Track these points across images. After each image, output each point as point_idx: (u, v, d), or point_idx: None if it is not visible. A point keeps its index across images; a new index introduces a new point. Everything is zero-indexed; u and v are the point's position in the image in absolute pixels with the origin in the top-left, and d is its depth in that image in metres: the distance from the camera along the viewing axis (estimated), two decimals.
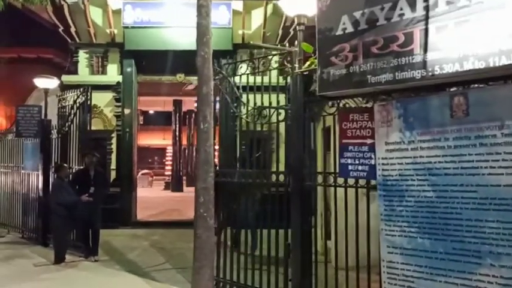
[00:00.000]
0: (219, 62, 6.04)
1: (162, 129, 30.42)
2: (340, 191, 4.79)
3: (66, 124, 9.30)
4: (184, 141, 26.10)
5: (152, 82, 13.54)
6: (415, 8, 3.84)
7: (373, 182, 4.36)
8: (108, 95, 12.18)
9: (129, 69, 12.35)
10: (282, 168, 5.57)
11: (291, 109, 5.14)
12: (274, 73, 5.66)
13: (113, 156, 12.04)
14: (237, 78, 5.98)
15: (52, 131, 9.68)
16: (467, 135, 3.63)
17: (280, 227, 5.39)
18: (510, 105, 3.39)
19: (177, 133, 24.86)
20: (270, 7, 12.01)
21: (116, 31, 12.27)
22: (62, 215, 7.76)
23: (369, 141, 4.38)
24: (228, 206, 6.10)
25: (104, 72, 12.56)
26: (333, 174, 4.78)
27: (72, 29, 12.35)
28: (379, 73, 4.05)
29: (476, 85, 3.66)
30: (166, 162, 30.13)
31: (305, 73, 5.03)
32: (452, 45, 3.59)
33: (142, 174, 25.50)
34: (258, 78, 5.90)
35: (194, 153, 27.65)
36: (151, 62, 12.59)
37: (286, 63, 5.27)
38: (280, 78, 5.46)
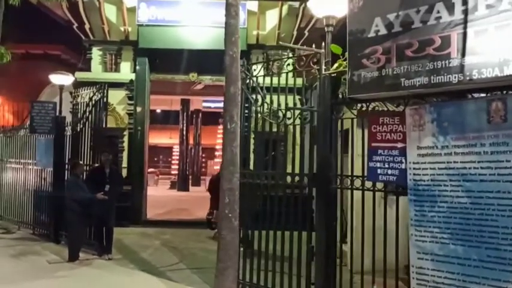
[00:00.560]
0: (243, 63, 6.00)
1: (168, 128, 30.37)
2: (357, 194, 4.78)
3: (81, 121, 9.27)
4: (191, 141, 26.06)
5: (164, 81, 13.50)
6: (453, 12, 3.79)
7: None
8: (121, 93, 12.15)
9: (142, 68, 12.32)
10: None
11: (318, 111, 5.08)
12: (289, 74, 5.63)
13: (124, 155, 12.01)
14: (259, 79, 5.95)
15: (66, 128, 9.65)
16: (505, 141, 3.58)
17: (303, 229, 5.34)
18: None
19: (184, 132, 24.87)
20: (285, 8, 11.99)
21: (130, 29, 12.26)
22: (77, 212, 7.73)
23: (399, 145, 4.33)
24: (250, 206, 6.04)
25: (117, 69, 12.54)
26: (361, 178, 4.72)
27: (87, 26, 12.32)
28: (413, 76, 4.00)
29: None
30: (173, 162, 30.07)
31: (333, 75, 4.98)
32: (492, 49, 3.54)
33: (148, 173, 25.38)
34: (275, 79, 5.87)
35: (200, 153, 27.76)
36: (165, 60, 12.58)
37: (312, 64, 5.22)
38: (298, 80, 5.42)
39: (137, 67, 12.36)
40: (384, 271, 4.51)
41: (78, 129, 9.39)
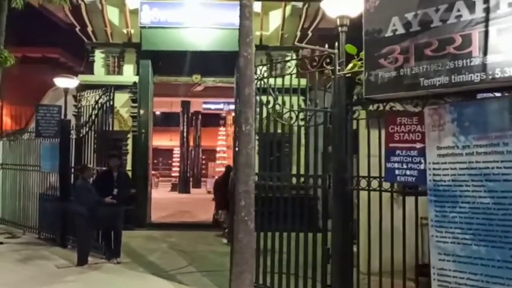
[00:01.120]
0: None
1: (169, 130, 30.30)
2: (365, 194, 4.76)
3: (87, 125, 9.21)
4: (191, 143, 26.02)
5: (167, 83, 13.44)
6: (474, 10, 3.75)
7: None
8: (125, 96, 12.05)
9: (145, 70, 12.25)
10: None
11: (333, 112, 5.04)
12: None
13: (128, 157, 11.96)
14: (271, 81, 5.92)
15: (71, 131, 9.58)
16: None
17: (318, 230, 5.31)
18: None
19: (185, 134, 24.84)
20: (288, 8, 11.94)
21: (132, 31, 12.20)
22: (86, 216, 7.66)
23: (418, 145, 4.29)
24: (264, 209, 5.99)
25: (120, 72, 12.48)
26: (378, 179, 4.68)
27: (89, 29, 12.27)
28: (433, 76, 3.96)
29: None
30: (173, 164, 30.01)
31: (347, 75, 4.94)
32: None
33: None
34: (283, 80, 5.84)
35: (200, 155, 27.70)
36: (168, 62, 12.51)
37: (325, 65, 5.19)
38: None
39: (140, 69, 12.29)
40: (403, 271, 4.47)
41: (84, 133, 9.32)
